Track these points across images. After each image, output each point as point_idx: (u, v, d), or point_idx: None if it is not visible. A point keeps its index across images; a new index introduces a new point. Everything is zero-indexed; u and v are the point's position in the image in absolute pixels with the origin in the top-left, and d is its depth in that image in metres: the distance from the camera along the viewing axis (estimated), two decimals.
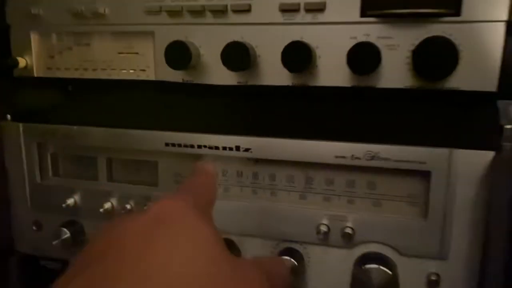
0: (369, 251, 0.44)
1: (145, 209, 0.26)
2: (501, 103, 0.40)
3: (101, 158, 0.52)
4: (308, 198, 0.46)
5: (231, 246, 0.47)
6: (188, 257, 0.22)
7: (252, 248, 0.47)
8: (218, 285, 0.22)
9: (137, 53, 0.48)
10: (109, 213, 0.50)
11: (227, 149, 0.45)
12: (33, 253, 0.57)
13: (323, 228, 0.44)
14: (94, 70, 0.50)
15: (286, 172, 0.46)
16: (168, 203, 0.25)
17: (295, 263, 0.44)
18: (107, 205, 0.50)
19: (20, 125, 0.53)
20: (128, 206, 0.50)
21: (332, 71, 0.41)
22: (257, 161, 0.46)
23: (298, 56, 0.40)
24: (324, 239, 0.44)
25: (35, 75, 0.52)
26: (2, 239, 0.56)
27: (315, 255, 0.45)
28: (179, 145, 0.47)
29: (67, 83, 0.52)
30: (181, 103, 0.48)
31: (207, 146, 0.46)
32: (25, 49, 0.51)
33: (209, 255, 0.23)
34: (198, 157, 0.47)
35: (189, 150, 0.47)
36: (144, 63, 0.48)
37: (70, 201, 0.52)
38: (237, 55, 0.42)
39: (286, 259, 0.44)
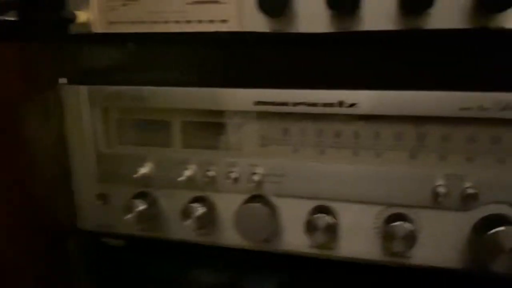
0: (490, 213, 0.40)
1: None
2: None
3: (175, 122, 0.46)
4: (419, 157, 0.41)
5: (328, 213, 0.42)
6: None
7: (351, 216, 0.43)
8: None
9: (216, 1, 0.43)
10: (191, 181, 0.45)
11: (328, 105, 0.41)
12: (97, 230, 0.52)
13: (441, 190, 0.39)
14: (165, 23, 0.44)
15: (393, 129, 0.41)
16: None
17: (411, 229, 0.40)
18: (188, 173, 0.45)
19: (81, 88, 0.47)
20: (211, 174, 0.45)
21: None
22: (360, 117, 0.41)
23: None
24: (440, 202, 0.40)
25: (94, 31, 0.46)
26: (63, 216, 0.51)
27: (426, 220, 0.41)
28: (271, 104, 0.42)
29: (132, 39, 0.46)
30: (271, 56, 0.42)
31: (305, 103, 0.41)
32: (82, 1, 0.45)
33: None
34: (289, 116, 0.43)
35: (282, 108, 0.42)
36: (226, 13, 0.42)
37: (142, 170, 0.47)
38: None
39: None
